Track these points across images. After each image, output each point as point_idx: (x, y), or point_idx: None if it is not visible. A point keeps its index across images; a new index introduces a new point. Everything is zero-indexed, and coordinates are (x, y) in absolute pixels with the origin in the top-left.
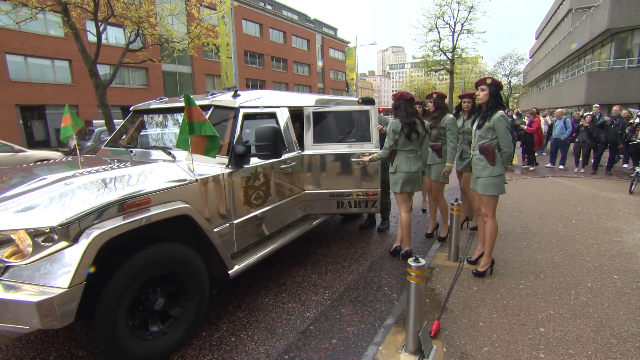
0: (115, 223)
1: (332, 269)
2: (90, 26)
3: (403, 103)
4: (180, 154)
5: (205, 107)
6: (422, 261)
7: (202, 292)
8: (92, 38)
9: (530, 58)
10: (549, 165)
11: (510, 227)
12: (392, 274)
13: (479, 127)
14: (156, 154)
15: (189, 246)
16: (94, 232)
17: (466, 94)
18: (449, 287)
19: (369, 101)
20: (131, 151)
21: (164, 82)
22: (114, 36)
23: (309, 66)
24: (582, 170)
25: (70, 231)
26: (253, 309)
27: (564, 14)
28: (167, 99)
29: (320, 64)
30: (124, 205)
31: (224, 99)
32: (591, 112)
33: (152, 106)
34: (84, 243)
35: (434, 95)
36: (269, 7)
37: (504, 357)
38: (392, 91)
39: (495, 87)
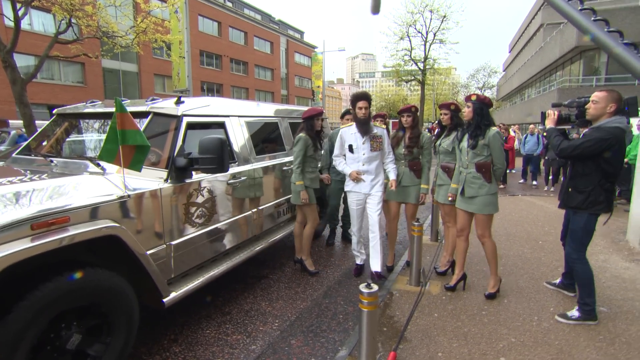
0: (19, 246)
1: (284, 295)
2: (7, 8)
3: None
4: (111, 167)
5: (144, 114)
6: (375, 287)
7: (130, 324)
8: (8, 23)
9: (503, 71)
10: (521, 181)
11: (476, 249)
12: (348, 301)
13: (473, 145)
14: (82, 165)
15: (116, 271)
16: None
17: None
18: (409, 314)
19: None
20: (51, 161)
21: (104, 81)
22: (41, 23)
23: (272, 71)
24: (551, 189)
25: None
26: (191, 342)
27: (536, 29)
28: (99, 102)
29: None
30: (34, 225)
31: (165, 105)
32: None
33: (81, 110)
34: None
35: (413, 109)
36: (229, 4)
37: None
38: None
39: (480, 104)
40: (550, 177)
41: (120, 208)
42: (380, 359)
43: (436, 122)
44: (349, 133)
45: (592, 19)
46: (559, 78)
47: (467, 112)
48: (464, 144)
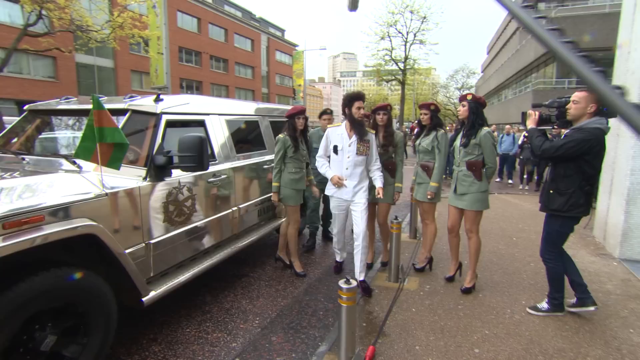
0: None
1: (265, 293)
2: None
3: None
4: (88, 164)
5: (122, 112)
6: (354, 282)
7: (108, 325)
8: None
9: (481, 72)
10: (497, 180)
11: None
12: (329, 297)
13: (465, 144)
14: (57, 163)
15: (94, 270)
16: None
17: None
18: (387, 309)
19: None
20: (23, 159)
21: (77, 76)
22: (7, 13)
23: (252, 69)
24: (526, 187)
25: None
26: (171, 341)
27: (512, 32)
28: (74, 98)
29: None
30: (5, 224)
31: (144, 103)
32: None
33: (54, 107)
34: None
35: (388, 107)
36: (209, 0)
37: None
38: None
39: (475, 103)
40: (525, 176)
41: (98, 206)
42: (360, 353)
43: (416, 121)
44: (336, 133)
45: (547, 28)
46: (534, 80)
47: (462, 111)
48: (457, 142)
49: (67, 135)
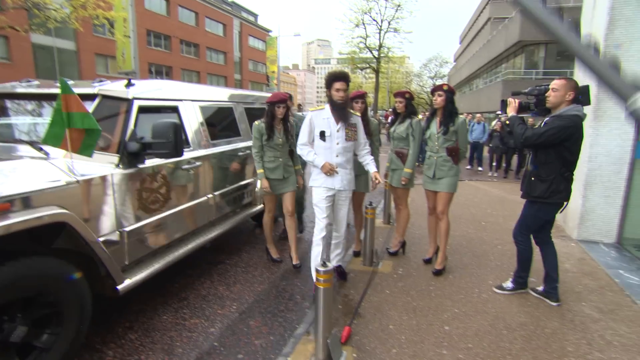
0: None
1: (241, 279)
2: None
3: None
4: (56, 151)
5: (91, 97)
6: (330, 265)
7: (82, 314)
8: None
9: (454, 62)
10: (468, 167)
11: (425, 231)
12: (305, 282)
13: (445, 132)
14: (21, 149)
15: (67, 259)
16: None
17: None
18: (362, 292)
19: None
20: None
21: (34, 58)
22: None
23: (224, 54)
24: (495, 174)
25: None
26: (148, 328)
27: (484, 22)
28: (37, 82)
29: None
30: None
31: (115, 88)
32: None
33: (11, 90)
34: None
35: (365, 96)
36: None
37: (410, 358)
38: (317, 87)
39: (450, 93)
40: (494, 164)
41: (69, 194)
42: (336, 334)
43: (390, 109)
44: (321, 118)
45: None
46: (504, 70)
47: (439, 100)
48: (433, 130)
49: (29, 121)
